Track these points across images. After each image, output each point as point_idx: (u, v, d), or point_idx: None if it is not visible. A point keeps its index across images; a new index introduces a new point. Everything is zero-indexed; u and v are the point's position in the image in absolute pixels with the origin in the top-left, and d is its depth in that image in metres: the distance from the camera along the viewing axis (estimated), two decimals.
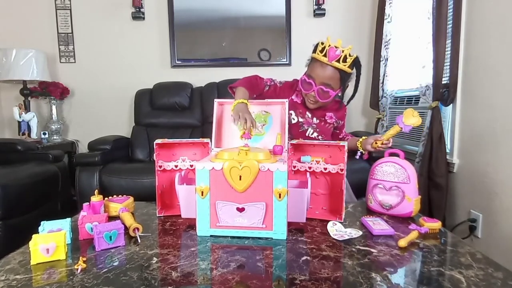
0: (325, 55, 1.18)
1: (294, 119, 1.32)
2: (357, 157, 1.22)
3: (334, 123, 1.36)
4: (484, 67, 1.61)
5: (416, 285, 0.66)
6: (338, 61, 1.17)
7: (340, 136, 1.42)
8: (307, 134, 1.32)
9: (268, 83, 1.35)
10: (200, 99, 2.67)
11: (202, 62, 2.83)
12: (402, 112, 1.10)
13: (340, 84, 1.23)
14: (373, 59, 2.56)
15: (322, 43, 1.20)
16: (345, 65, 1.18)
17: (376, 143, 1.18)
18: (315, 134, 1.33)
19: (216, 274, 0.70)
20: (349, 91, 1.30)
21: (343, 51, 1.17)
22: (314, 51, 1.23)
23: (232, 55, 2.81)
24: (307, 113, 1.32)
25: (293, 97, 1.33)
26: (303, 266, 0.73)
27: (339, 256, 0.78)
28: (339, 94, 1.28)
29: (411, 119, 1.06)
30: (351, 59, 1.18)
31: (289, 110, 1.18)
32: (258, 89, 1.32)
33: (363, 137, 1.24)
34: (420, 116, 1.09)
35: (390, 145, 1.17)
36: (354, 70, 1.23)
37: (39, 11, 2.75)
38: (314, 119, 1.32)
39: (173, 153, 1.15)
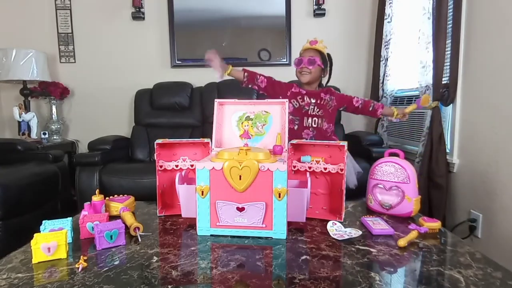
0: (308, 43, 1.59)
1: (296, 105, 1.60)
2: (393, 120, 1.63)
3: (328, 98, 1.62)
4: (484, 67, 1.61)
5: (415, 285, 0.67)
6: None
7: (356, 105, 1.64)
8: (309, 113, 1.60)
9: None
10: (200, 99, 2.67)
11: (202, 62, 2.80)
12: None
13: (322, 62, 1.56)
14: (373, 59, 2.56)
15: (305, 44, 1.60)
16: (322, 46, 1.57)
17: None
18: (316, 110, 1.60)
19: (216, 273, 0.70)
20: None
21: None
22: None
23: (232, 55, 2.81)
24: (306, 97, 1.61)
25: (292, 89, 1.63)
26: (303, 265, 0.74)
27: (339, 256, 0.78)
28: (323, 76, 1.63)
29: (425, 103, 1.51)
30: (323, 44, 1.59)
31: (290, 99, 1.56)
32: (255, 77, 1.62)
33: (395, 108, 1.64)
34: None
35: (405, 119, 1.63)
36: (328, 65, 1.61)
37: (39, 11, 2.75)
38: (312, 100, 1.60)
39: (174, 153, 1.15)
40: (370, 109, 1.64)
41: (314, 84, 1.61)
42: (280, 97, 1.55)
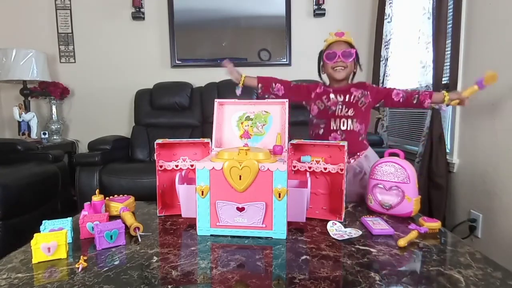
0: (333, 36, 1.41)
1: (321, 106, 1.44)
2: (443, 108, 1.47)
3: (359, 95, 1.43)
4: (484, 67, 1.61)
5: (415, 285, 0.67)
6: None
7: (396, 99, 1.43)
8: (336, 113, 1.42)
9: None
10: (200, 99, 2.67)
11: (202, 62, 2.83)
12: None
13: (356, 54, 1.42)
14: (373, 59, 2.56)
15: (328, 37, 1.42)
16: (350, 37, 1.40)
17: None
18: (345, 110, 1.42)
19: (216, 273, 0.70)
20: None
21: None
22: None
23: (232, 55, 2.81)
24: (331, 95, 1.43)
25: (317, 90, 1.47)
26: (303, 265, 0.74)
27: (339, 256, 0.78)
28: (355, 70, 1.46)
29: (490, 81, 1.25)
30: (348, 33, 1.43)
31: (315, 100, 1.44)
32: (270, 86, 1.49)
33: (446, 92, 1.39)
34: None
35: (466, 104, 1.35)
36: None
37: (39, 11, 2.75)
38: (339, 97, 1.42)
39: (174, 153, 1.15)
40: (415, 102, 1.40)
41: (345, 80, 1.44)
42: (304, 102, 1.47)
